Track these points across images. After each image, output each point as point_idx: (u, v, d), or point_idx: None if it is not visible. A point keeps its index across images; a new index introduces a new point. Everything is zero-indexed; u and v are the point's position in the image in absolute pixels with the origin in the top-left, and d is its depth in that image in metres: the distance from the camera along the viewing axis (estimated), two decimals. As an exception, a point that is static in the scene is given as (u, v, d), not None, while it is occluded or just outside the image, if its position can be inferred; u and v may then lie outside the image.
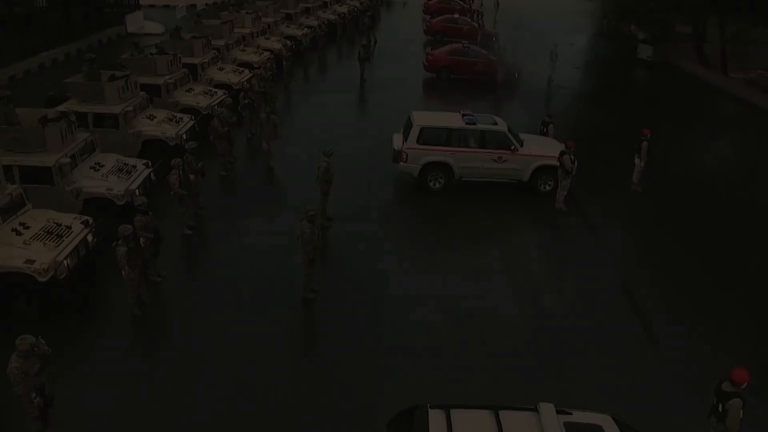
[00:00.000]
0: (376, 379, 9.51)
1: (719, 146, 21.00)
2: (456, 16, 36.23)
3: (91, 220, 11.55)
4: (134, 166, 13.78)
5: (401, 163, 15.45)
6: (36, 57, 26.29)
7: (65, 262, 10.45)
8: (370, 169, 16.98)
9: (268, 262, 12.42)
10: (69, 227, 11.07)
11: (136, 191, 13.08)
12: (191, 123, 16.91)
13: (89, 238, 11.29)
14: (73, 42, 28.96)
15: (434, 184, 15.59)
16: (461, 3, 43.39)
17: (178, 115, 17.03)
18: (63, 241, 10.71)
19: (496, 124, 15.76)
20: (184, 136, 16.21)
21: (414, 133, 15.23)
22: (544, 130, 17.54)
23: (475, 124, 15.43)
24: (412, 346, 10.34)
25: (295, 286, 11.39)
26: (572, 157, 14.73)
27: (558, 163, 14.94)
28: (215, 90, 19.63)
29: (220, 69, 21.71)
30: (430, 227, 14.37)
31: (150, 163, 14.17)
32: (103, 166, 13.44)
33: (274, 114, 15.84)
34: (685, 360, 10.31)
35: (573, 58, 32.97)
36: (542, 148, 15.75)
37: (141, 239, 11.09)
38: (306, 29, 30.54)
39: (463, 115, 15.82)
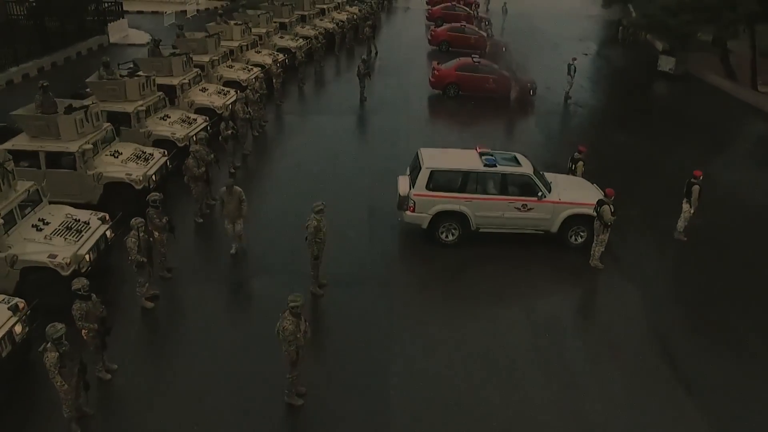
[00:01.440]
0: None
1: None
2: (463, 24, 33.88)
3: (22, 304, 9.23)
4: (87, 223, 11.39)
5: (407, 212, 13.09)
6: (5, 72, 23.93)
7: (-20, 367, 8.15)
8: (371, 213, 14.63)
9: (247, 348, 10.07)
10: (-10, 316, 8.76)
11: (87, 256, 10.74)
12: (163, 160, 14.55)
13: (17, 328, 8.97)
14: (48, 54, 26.56)
15: (446, 236, 13.25)
16: (467, 9, 40.99)
17: (148, 150, 14.65)
18: (-21, 338, 8.39)
19: (519, 164, 13.40)
20: (154, 178, 13.88)
21: (423, 176, 12.87)
22: (573, 167, 15.17)
23: (495, 165, 13.06)
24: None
25: (279, 385, 9.05)
26: (612, 208, 12.38)
27: (594, 214, 12.60)
28: (194, 117, 17.24)
29: (203, 90, 19.34)
30: (443, 292, 11.99)
31: (107, 217, 11.80)
32: (48, 223, 11.07)
33: (238, 185, 12.40)
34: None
35: (588, 69, 30.68)
36: (574, 194, 13.40)
37: (82, 332, 8.82)
38: (301, 40, 28.14)
39: (481, 154, 13.46)
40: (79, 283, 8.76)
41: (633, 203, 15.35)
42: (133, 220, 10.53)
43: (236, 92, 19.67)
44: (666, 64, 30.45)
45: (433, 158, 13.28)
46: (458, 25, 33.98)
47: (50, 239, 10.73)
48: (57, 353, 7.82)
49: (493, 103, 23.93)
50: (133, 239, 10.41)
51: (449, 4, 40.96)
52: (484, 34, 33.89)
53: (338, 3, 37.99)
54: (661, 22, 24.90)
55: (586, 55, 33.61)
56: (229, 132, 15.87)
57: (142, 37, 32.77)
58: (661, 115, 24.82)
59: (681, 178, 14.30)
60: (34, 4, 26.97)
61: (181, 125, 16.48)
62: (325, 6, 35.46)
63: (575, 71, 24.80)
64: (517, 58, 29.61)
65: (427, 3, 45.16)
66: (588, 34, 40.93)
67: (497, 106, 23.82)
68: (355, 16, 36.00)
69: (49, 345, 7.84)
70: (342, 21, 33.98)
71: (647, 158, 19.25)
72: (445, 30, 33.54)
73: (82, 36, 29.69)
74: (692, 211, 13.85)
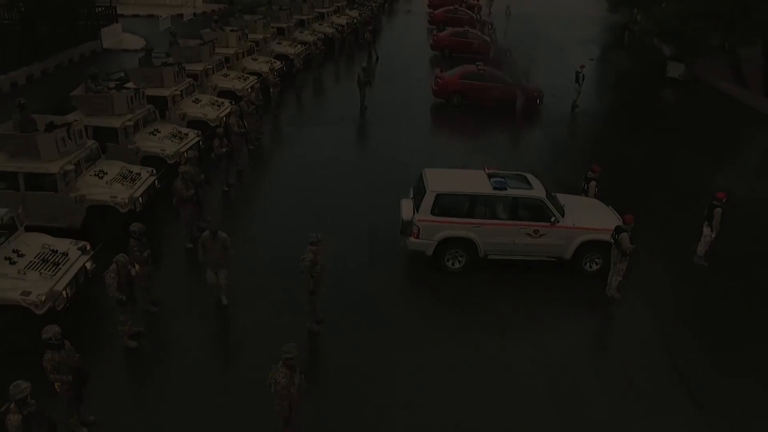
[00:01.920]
0: None
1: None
2: (466, 29, 33.01)
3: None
4: (65, 254, 10.54)
5: (411, 239, 12.24)
6: (-8, 81, 23.11)
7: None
8: (372, 235, 13.77)
9: (240, 394, 9.22)
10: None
11: (64, 292, 9.90)
12: (151, 180, 13.70)
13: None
14: (38, 61, 25.66)
15: (453, 264, 12.40)
16: (469, 13, 40.11)
17: (135, 169, 13.79)
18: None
19: (531, 187, 12.53)
20: (141, 200, 13.03)
21: (428, 201, 12.02)
22: (585, 187, 14.32)
23: (505, 188, 12.21)
24: None
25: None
26: (631, 235, 11.53)
27: (612, 241, 11.75)
28: (186, 131, 16.38)
29: (196, 101, 18.47)
30: (449, 326, 11.12)
31: (88, 247, 10.95)
32: (23, 255, 10.22)
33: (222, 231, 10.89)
34: None
35: (595, 75, 29.77)
36: (589, 218, 12.55)
37: (55, 385, 7.98)
38: (300, 46, 27.28)
39: (490, 176, 12.60)
40: (51, 331, 7.90)
41: (648, 222, 14.44)
42: (116, 257, 9.67)
43: (231, 103, 18.83)
44: (675, 70, 29.61)
45: (439, 180, 12.41)
46: (461, 29, 33.09)
47: (24, 274, 9.87)
48: (20, 415, 6.98)
49: (499, 113, 23.03)
50: (112, 275, 9.57)
51: (452, 7, 40.08)
52: (488, 39, 33.00)
53: (338, 7, 37.10)
54: (673, 29, 24.02)
55: (592, 60, 32.72)
56: (224, 150, 15.00)
57: (136, 42, 31.97)
58: (673, 124, 23.90)
59: (697, 191, 13.43)
60: (22, 9, 26.06)
61: (171, 140, 15.62)
62: (324, 10, 34.56)
63: (583, 79, 23.94)
64: (522, 63, 28.71)
65: (429, 6, 44.34)
66: (593, 37, 40.08)
67: (503, 115, 22.93)
68: (355, 20, 35.16)
69: (12, 406, 7.01)
70: (342, 25, 33.15)
71: (660, 171, 18.38)
72: (447, 35, 32.64)
73: (74, 42, 28.77)
74: (713, 236, 13.01)
